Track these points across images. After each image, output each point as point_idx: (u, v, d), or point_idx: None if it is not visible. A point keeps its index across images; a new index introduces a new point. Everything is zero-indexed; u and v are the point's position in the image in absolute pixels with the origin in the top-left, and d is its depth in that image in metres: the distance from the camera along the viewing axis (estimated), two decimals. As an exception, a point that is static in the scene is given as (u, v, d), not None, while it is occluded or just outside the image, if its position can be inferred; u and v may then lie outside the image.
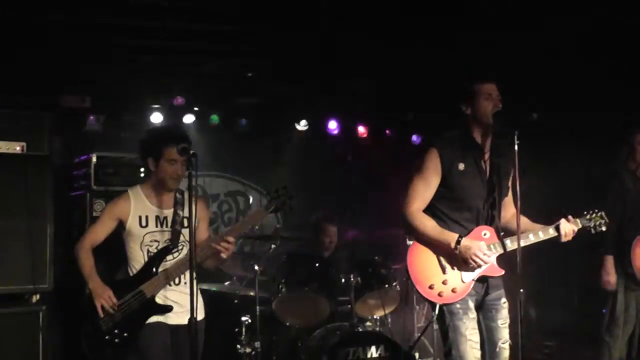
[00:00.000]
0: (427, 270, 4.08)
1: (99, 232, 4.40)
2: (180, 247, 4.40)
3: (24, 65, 6.45)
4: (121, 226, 4.39)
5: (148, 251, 4.36)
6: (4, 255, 5.18)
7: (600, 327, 5.58)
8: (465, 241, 4.01)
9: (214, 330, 4.78)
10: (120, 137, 7.76)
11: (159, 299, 4.31)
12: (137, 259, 4.36)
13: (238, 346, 6.06)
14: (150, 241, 4.37)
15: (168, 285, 4.32)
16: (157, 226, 4.39)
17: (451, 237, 4.04)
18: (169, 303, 4.33)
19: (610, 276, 5.48)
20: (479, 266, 4.03)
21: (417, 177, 4.15)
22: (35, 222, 5.27)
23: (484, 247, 4.04)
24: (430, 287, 4.05)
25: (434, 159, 4.11)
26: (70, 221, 5.69)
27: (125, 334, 4.24)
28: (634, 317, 5.52)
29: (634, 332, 5.54)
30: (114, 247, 4.44)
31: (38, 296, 5.28)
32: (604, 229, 4.34)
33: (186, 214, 4.41)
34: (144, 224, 4.37)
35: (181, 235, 4.39)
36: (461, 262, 4.04)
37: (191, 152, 4.02)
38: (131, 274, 4.37)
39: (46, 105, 6.19)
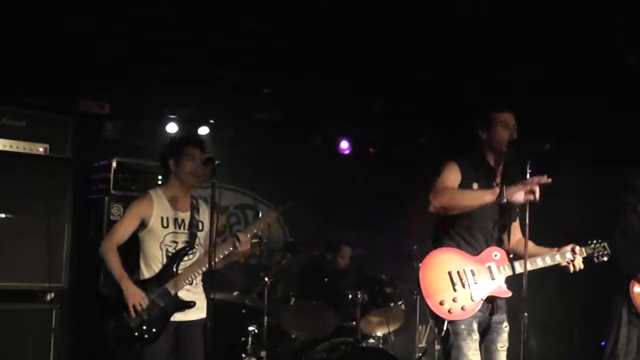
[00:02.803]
0: (438, 286, 4.11)
1: (124, 231, 4.58)
2: (195, 249, 4.65)
3: (47, 69, 6.60)
4: (142, 225, 4.60)
5: (167, 251, 4.58)
6: (22, 253, 5.27)
7: (601, 359, 5.65)
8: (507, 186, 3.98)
9: (220, 338, 4.87)
10: (136, 144, 7.89)
11: (181, 295, 4.54)
12: (156, 258, 4.56)
13: (243, 355, 6.15)
14: (170, 242, 4.59)
15: (188, 285, 4.56)
16: (175, 228, 4.63)
17: (491, 191, 4.02)
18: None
19: None
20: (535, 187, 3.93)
21: (442, 175, 4.15)
22: (54, 222, 5.37)
23: None
24: (441, 303, 4.09)
25: (454, 169, 4.17)
26: (87, 223, 5.79)
27: (154, 330, 4.45)
28: (634, 350, 5.57)
29: None
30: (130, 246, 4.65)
31: (52, 294, 5.37)
32: (605, 259, 4.44)
33: (200, 218, 4.71)
34: (165, 224, 4.60)
35: (197, 238, 4.64)
36: (471, 278, 4.10)
37: (217, 162, 4.33)
38: (148, 272, 4.57)
39: (65, 108, 6.31)
